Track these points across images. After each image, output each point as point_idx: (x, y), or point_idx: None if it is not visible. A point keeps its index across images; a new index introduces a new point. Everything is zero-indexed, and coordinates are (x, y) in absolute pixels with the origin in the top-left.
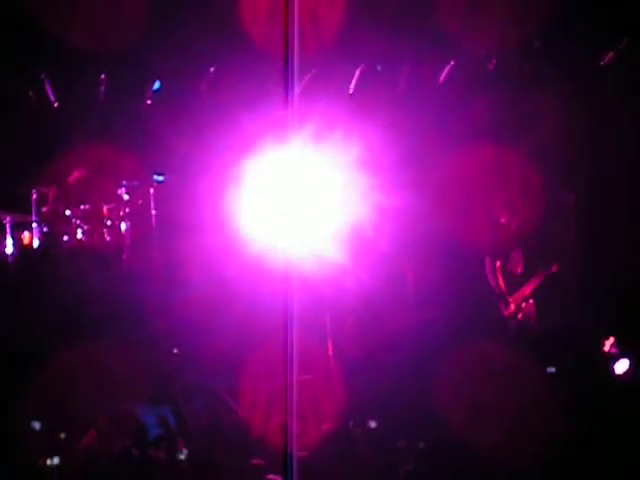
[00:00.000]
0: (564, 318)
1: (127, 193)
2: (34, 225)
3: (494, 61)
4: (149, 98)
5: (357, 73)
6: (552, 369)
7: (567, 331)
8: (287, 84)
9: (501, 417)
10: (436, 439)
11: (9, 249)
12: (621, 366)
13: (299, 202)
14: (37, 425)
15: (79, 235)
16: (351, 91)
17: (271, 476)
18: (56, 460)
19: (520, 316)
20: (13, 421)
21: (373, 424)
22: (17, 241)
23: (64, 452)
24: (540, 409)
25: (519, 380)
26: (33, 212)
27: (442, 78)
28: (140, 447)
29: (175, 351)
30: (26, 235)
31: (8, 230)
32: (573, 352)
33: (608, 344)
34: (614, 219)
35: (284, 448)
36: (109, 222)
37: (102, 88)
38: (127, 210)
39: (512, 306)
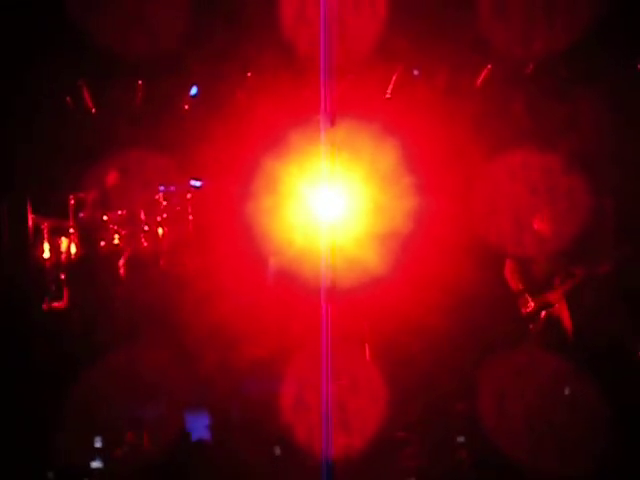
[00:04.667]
0: (599, 321)
1: (164, 199)
2: (71, 230)
3: (531, 65)
4: (186, 103)
5: (394, 77)
6: (585, 371)
7: (602, 335)
8: (324, 89)
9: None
10: (471, 442)
11: (46, 254)
12: None
13: (335, 207)
14: (74, 431)
15: (116, 240)
16: (388, 95)
17: None
18: (95, 465)
19: (547, 319)
20: (49, 427)
21: (410, 429)
22: (54, 246)
23: (102, 458)
24: (571, 413)
25: (553, 382)
26: (70, 217)
27: (479, 82)
28: (181, 452)
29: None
30: (63, 240)
31: (46, 235)
32: (608, 356)
33: None
34: None
35: (321, 454)
36: (146, 227)
37: (139, 94)
38: (164, 215)
39: (534, 309)
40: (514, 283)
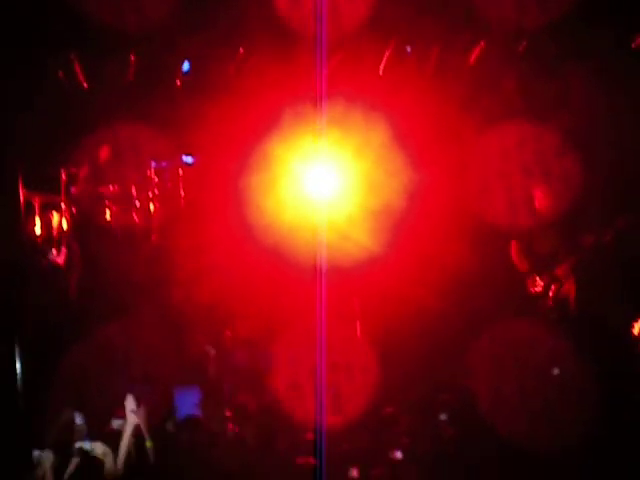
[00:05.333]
0: (599, 299)
1: (156, 174)
2: (63, 205)
3: (524, 42)
4: (178, 79)
5: (386, 54)
6: (583, 350)
7: (601, 312)
8: (316, 65)
9: (529, 397)
10: (464, 421)
11: (38, 229)
12: None
13: (328, 184)
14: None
15: (107, 216)
16: (381, 72)
17: (302, 457)
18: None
19: (553, 296)
20: (37, 405)
21: (401, 406)
22: (45, 221)
23: (94, 435)
24: (570, 389)
25: (551, 359)
26: (62, 192)
27: (472, 59)
28: (169, 427)
29: None
30: (55, 215)
31: (37, 210)
32: (606, 333)
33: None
34: None
35: (314, 429)
36: (138, 203)
37: (131, 69)
38: (156, 191)
39: (542, 286)
40: (521, 263)
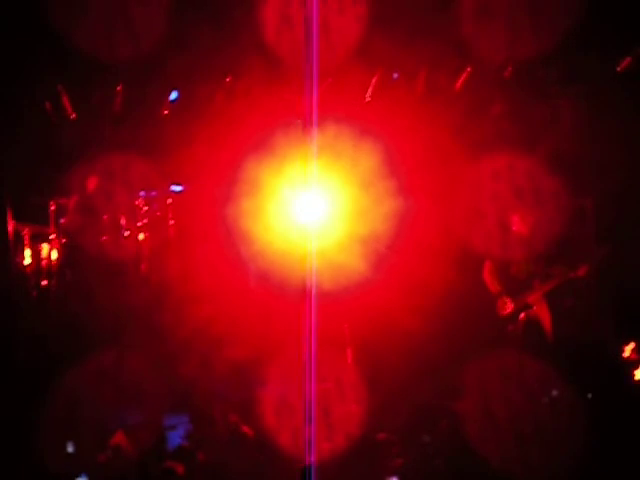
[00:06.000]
0: (581, 323)
1: (145, 204)
2: (52, 236)
3: (510, 68)
4: (166, 108)
5: (374, 80)
6: (566, 375)
7: (584, 337)
8: (304, 92)
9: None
10: (451, 442)
11: (27, 261)
12: None
13: (316, 210)
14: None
15: (97, 246)
16: (368, 98)
17: None
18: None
19: (526, 321)
20: (31, 431)
21: (391, 431)
22: (35, 252)
23: (82, 464)
24: (551, 415)
25: (532, 384)
26: (51, 223)
27: (459, 84)
28: (159, 458)
29: None
30: (44, 247)
31: (27, 242)
32: (590, 358)
33: (629, 350)
34: (631, 224)
35: (303, 457)
36: (127, 232)
37: (119, 99)
38: (145, 221)
39: (513, 310)
40: (493, 284)
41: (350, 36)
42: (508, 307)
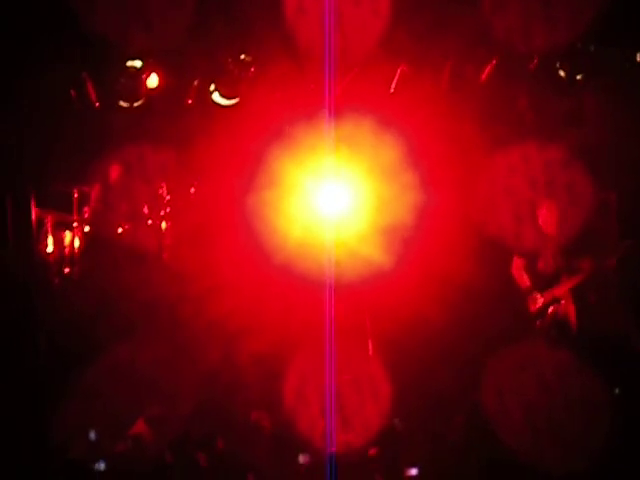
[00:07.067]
0: (605, 318)
1: (167, 193)
2: (75, 224)
3: (535, 60)
4: (190, 97)
5: (397, 72)
6: (591, 369)
7: (608, 331)
8: (327, 84)
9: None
10: (472, 436)
11: (50, 248)
12: None
13: (338, 201)
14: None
15: (119, 234)
16: (392, 89)
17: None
18: (97, 464)
19: (554, 315)
20: (50, 423)
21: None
22: (58, 240)
23: (104, 455)
24: (574, 409)
25: (556, 379)
26: (74, 211)
27: (483, 77)
28: (179, 448)
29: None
30: (67, 234)
31: (49, 229)
32: (613, 351)
33: None
34: None
35: (325, 448)
36: (149, 221)
37: (144, 88)
38: (167, 210)
39: (542, 305)
40: (521, 280)
41: (375, 27)
42: (538, 302)
